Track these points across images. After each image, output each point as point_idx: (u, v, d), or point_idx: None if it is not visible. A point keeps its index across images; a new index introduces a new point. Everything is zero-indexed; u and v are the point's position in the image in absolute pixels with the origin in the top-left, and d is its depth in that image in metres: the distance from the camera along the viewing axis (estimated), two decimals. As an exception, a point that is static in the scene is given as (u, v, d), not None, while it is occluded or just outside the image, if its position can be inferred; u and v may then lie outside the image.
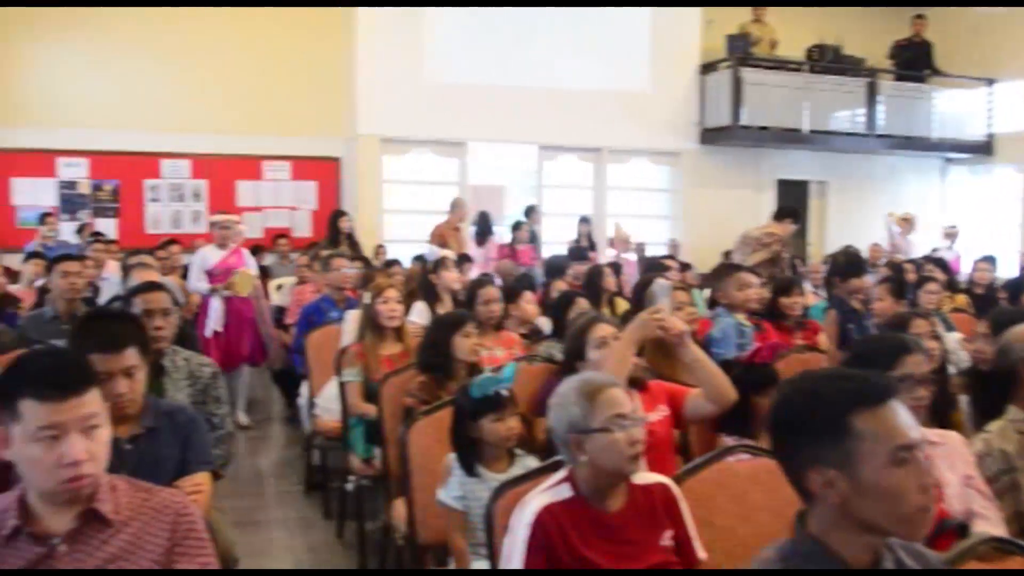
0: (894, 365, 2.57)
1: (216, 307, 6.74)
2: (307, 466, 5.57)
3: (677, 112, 11.76)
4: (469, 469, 2.88)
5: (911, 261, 8.04)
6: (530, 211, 10.62)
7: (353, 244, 9.12)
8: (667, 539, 2.28)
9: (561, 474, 2.32)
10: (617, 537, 2.22)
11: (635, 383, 3.09)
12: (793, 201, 11.42)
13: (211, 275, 6.80)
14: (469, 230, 10.11)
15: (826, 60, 12.20)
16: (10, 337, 4.33)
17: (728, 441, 3.17)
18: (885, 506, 1.50)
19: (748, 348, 4.31)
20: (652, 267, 7.06)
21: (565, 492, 2.25)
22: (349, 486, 4.50)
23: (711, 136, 11.85)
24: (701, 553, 2.35)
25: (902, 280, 4.65)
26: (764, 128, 11.58)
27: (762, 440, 3.17)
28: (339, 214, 9.66)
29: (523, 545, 2.18)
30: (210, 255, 6.88)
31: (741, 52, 11.57)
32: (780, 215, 7.38)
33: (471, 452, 2.90)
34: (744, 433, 3.18)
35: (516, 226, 10.12)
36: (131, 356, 2.47)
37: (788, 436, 1.59)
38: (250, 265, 7.00)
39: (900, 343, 2.68)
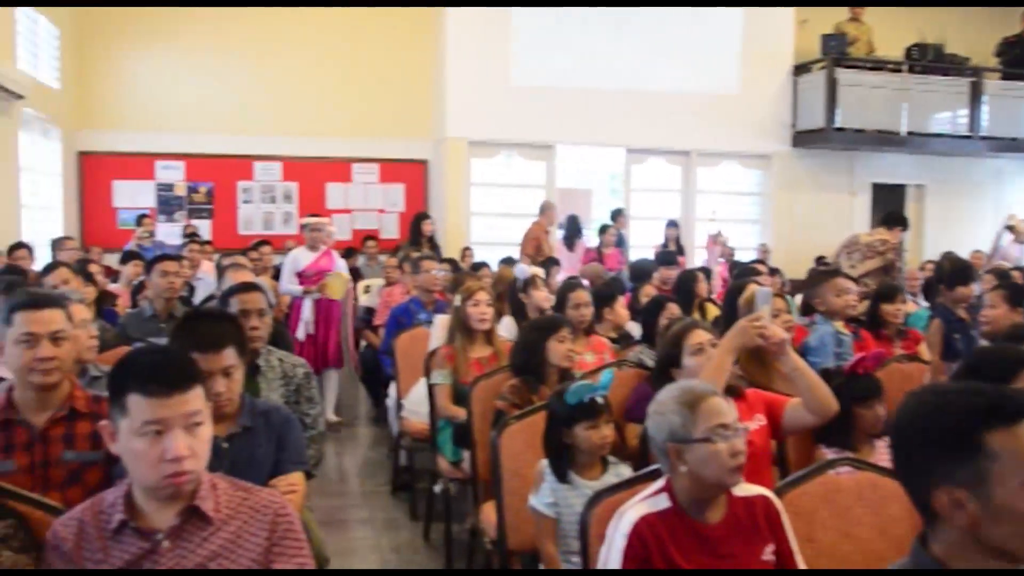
0: (1013, 379, 2.43)
1: (307, 309, 6.81)
2: (394, 467, 5.60)
3: (768, 114, 11.52)
4: (561, 476, 2.83)
5: (1020, 269, 7.68)
6: (617, 214, 10.52)
7: (434, 247, 9.18)
8: (768, 554, 2.20)
9: (659, 484, 2.25)
10: (717, 550, 2.15)
11: (732, 391, 3.00)
12: (889, 205, 11.05)
13: (302, 277, 6.86)
14: (557, 234, 10.06)
15: (927, 59, 11.76)
16: (112, 334, 4.48)
17: (827, 453, 3.07)
18: (1020, 530, 1.39)
19: (846, 358, 4.16)
20: (743, 272, 6.90)
21: (663, 502, 2.19)
22: (437, 488, 4.50)
23: (803, 139, 11.57)
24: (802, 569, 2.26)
25: (1018, 287, 4.40)
26: (859, 131, 11.24)
27: (864, 453, 3.06)
28: (422, 217, 9.74)
29: (619, 555, 2.12)
30: (301, 257, 6.96)
31: (836, 52, 11.25)
32: (891, 222, 7.10)
33: (564, 458, 2.85)
34: (845, 445, 3.08)
35: (602, 229, 10.04)
36: (230, 356, 2.50)
37: (913, 452, 1.49)
38: (340, 267, 7.07)
39: (1020, 356, 2.53)
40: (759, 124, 11.48)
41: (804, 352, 4.15)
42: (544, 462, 2.89)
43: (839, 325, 4.39)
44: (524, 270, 5.42)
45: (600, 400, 2.85)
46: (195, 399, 1.79)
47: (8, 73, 7.58)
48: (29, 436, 2.46)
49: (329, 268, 6.92)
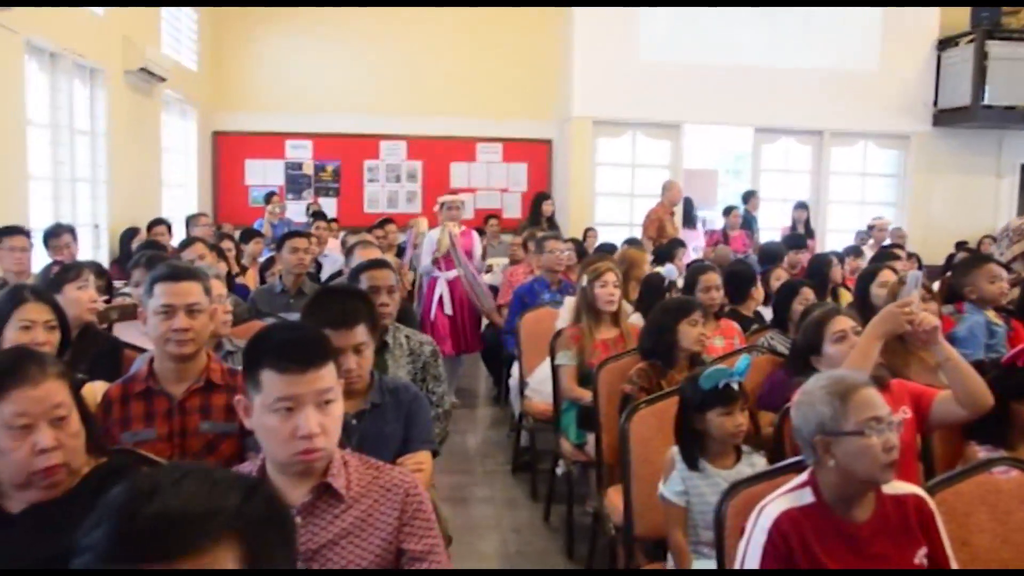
0: None
1: (443, 290, 6.76)
2: (515, 447, 5.59)
3: (908, 92, 10.93)
4: (693, 463, 2.73)
5: None
6: (749, 196, 10.23)
7: (553, 227, 9.10)
8: (921, 557, 2.06)
9: (802, 478, 2.13)
10: (864, 551, 2.02)
11: (877, 382, 2.83)
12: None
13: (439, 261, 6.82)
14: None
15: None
16: (243, 308, 4.60)
17: (980, 450, 2.86)
18: None
19: (998, 350, 3.90)
20: (879, 257, 6.58)
21: (807, 497, 2.07)
22: (559, 470, 4.46)
23: (946, 117, 10.92)
24: None
25: None
26: (1010, 108, 10.45)
27: (1021, 452, 2.85)
28: (542, 197, 9.67)
29: (759, 552, 2.02)
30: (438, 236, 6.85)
31: (988, 24, 10.55)
32: None
33: (695, 446, 2.75)
34: (1000, 443, 2.86)
35: (727, 211, 9.78)
36: (361, 333, 2.50)
37: None
38: (476, 246, 6.99)
39: None
40: (897, 102, 10.91)
41: (951, 343, 3.90)
42: (675, 449, 2.79)
43: (991, 315, 4.12)
44: (672, 271, 5.28)
45: (735, 386, 2.73)
46: (327, 376, 1.77)
47: (154, 57, 7.89)
48: (168, 406, 2.53)
49: (469, 247, 6.84)
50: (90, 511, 1.75)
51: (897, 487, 2.12)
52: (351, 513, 1.82)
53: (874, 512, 2.07)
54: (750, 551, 2.04)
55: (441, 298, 6.75)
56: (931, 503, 2.14)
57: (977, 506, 2.34)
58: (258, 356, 1.77)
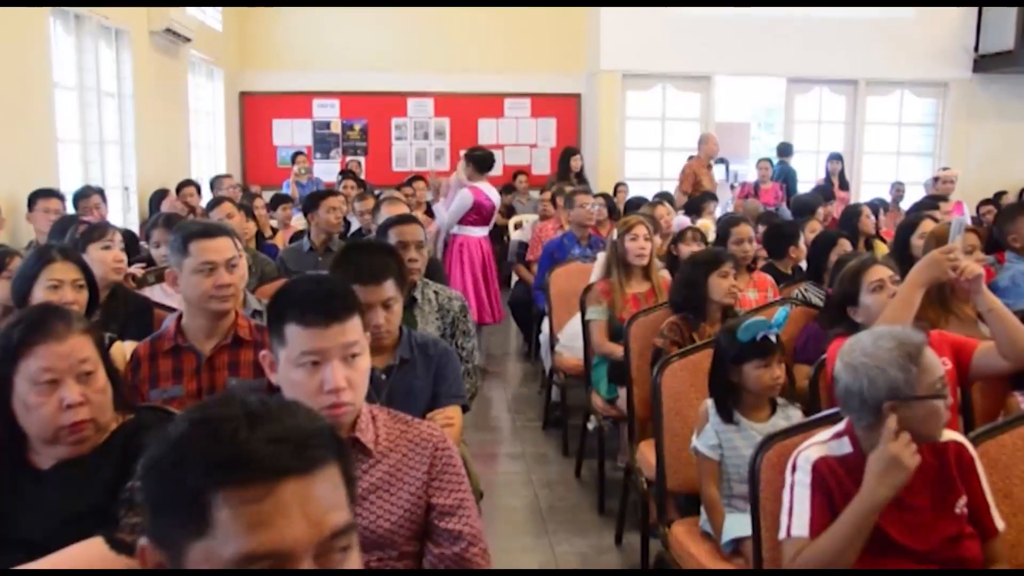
0: None
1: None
2: (545, 403, 5.58)
3: (947, 38, 10.66)
4: (727, 416, 2.69)
5: None
6: (784, 149, 10.06)
7: (582, 182, 9.01)
8: (961, 506, 2.01)
9: (839, 427, 2.08)
10: (902, 501, 1.97)
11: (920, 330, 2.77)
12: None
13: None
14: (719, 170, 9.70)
15: None
16: (272, 267, 4.60)
17: (1023, 400, 2.80)
18: None
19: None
20: (920, 206, 6.45)
21: (845, 447, 2.03)
22: (590, 425, 4.44)
23: (987, 63, 10.63)
24: (999, 524, 2.06)
25: None
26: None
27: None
28: (571, 152, 9.56)
29: (807, 491, 1.98)
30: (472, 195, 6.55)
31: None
32: None
33: (730, 398, 2.70)
34: None
35: (759, 163, 9.63)
36: (389, 288, 2.47)
37: None
38: (495, 201, 6.73)
39: None
40: (936, 48, 10.65)
41: (992, 293, 3.82)
42: (708, 402, 2.75)
43: (1034, 263, 4.02)
44: (681, 222, 5.21)
45: (772, 339, 2.67)
46: (353, 330, 1.74)
47: (179, 18, 7.85)
48: (196, 362, 2.53)
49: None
50: (118, 467, 1.77)
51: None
52: (380, 468, 1.80)
53: None
54: (797, 492, 2.00)
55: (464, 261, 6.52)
56: (971, 449, 2.08)
57: (1021, 457, 2.27)
58: (282, 310, 1.74)
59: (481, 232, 6.59)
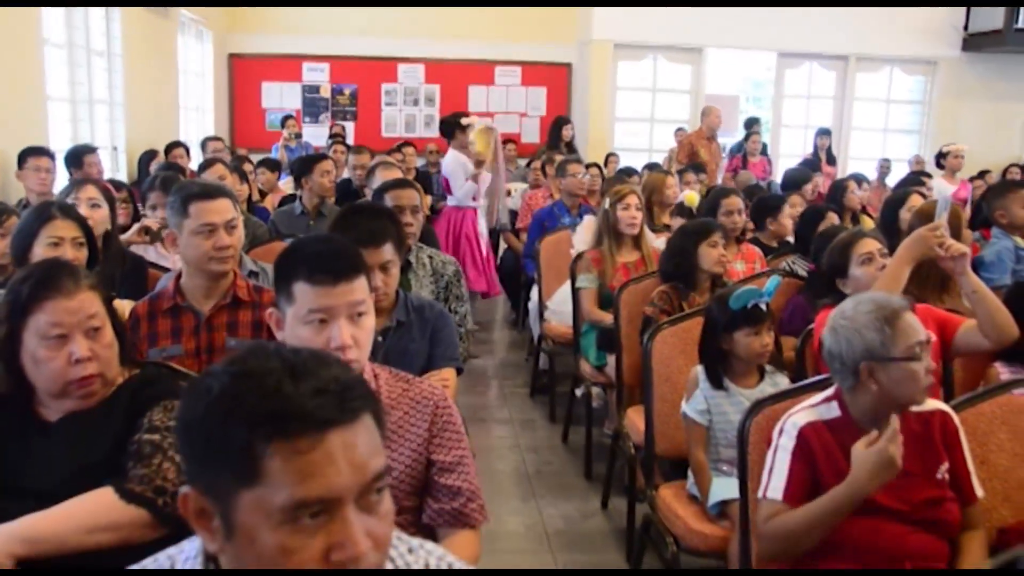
0: None
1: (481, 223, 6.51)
2: (533, 370, 5.64)
3: (937, 15, 10.65)
4: (717, 382, 2.75)
5: None
6: (749, 123, 10.12)
7: (572, 151, 9.02)
8: (943, 471, 2.08)
9: (828, 392, 2.15)
10: None
11: (905, 303, 2.83)
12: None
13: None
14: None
15: None
16: (263, 230, 4.61)
17: (1003, 372, 2.87)
18: None
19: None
20: (906, 182, 6.52)
21: (833, 411, 2.10)
22: (579, 392, 4.50)
23: (976, 42, 10.67)
24: (979, 491, 2.14)
25: None
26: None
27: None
28: (562, 121, 9.56)
29: (788, 456, 2.05)
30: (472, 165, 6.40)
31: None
32: None
33: (720, 365, 2.77)
34: None
35: (747, 137, 9.66)
36: (388, 251, 2.50)
37: None
38: (485, 179, 6.58)
39: None
40: (926, 26, 10.66)
41: (977, 267, 3.89)
42: (698, 368, 2.81)
43: (1019, 240, 4.08)
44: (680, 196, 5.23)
45: (763, 307, 2.73)
46: (360, 289, 1.78)
47: (166, -24, 7.79)
48: (195, 322, 2.56)
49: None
50: (125, 420, 1.81)
51: (922, 404, 2.14)
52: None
53: (899, 429, 2.08)
54: (778, 456, 2.07)
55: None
56: (956, 419, 2.15)
57: (997, 426, 2.35)
58: (290, 269, 1.77)
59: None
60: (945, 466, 2.08)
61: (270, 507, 0.96)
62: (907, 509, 2.02)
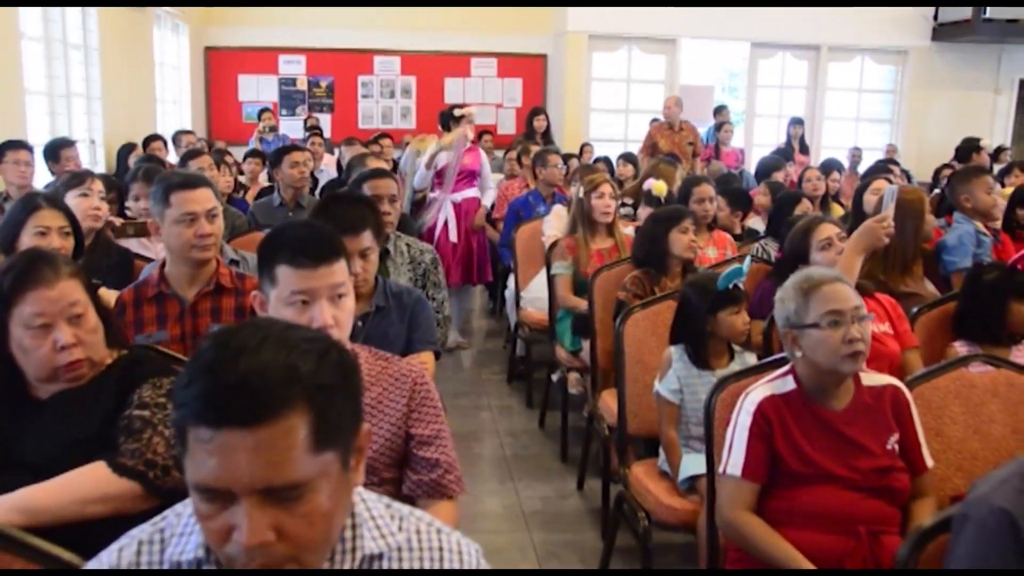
0: None
1: (448, 214, 6.10)
2: (510, 357, 5.73)
3: (907, 7, 10.82)
4: (703, 362, 2.85)
5: None
6: (718, 111, 10.23)
7: (548, 142, 9.09)
8: (892, 442, 2.20)
9: (784, 368, 2.27)
10: (840, 435, 2.16)
11: (860, 290, 2.94)
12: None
13: (441, 179, 6.08)
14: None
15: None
16: (242, 220, 4.67)
17: (962, 350, 2.99)
18: None
19: (984, 259, 4.00)
20: (874, 170, 6.64)
21: (788, 385, 2.22)
22: (555, 376, 4.59)
23: (946, 32, 10.86)
24: (929, 461, 2.26)
25: None
26: (1013, 21, 10.36)
27: (1002, 353, 2.95)
28: (537, 112, 9.63)
29: (745, 432, 2.16)
30: (442, 154, 6.05)
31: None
32: None
33: (704, 346, 2.87)
34: (993, 340, 3.00)
35: (719, 127, 9.78)
36: (367, 238, 2.56)
37: None
38: (486, 167, 6.37)
39: None
40: (897, 16, 10.84)
41: (940, 251, 4.02)
42: (672, 349, 2.90)
43: (979, 225, 4.20)
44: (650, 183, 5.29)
45: (741, 287, 2.85)
46: (340, 271, 1.85)
47: (142, -32, 7.80)
48: (180, 309, 2.62)
49: (475, 168, 6.19)
50: (115, 397, 1.88)
51: (876, 379, 2.26)
52: (363, 402, 1.92)
53: (852, 401, 2.20)
54: (737, 433, 2.18)
55: (446, 224, 6.11)
56: (907, 392, 2.27)
57: (951, 400, 2.47)
58: (273, 252, 1.84)
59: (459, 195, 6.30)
60: (895, 437, 2.20)
61: (190, 483, 1.04)
62: (858, 477, 2.13)
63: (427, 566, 1.20)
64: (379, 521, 1.19)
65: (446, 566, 1.21)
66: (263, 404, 1.00)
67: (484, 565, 1.25)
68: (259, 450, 0.99)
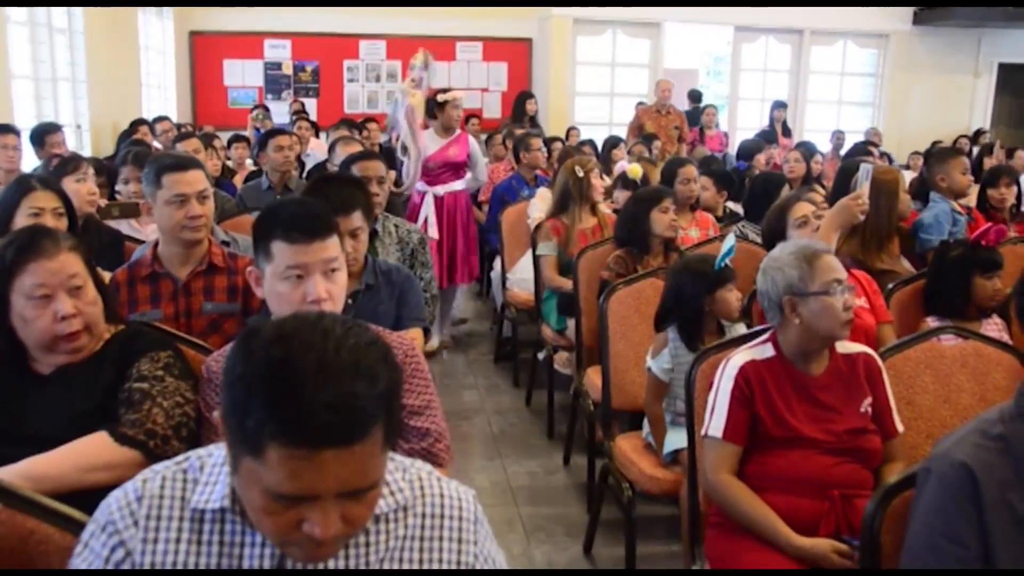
0: None
1: (429, 211, 5.68)
2: (497, 338, 5.81)
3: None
4: (699, 344, 2.86)
5: None
6: (695, 95, 10.30)
7: (535, 126, 9.15)
8: (866, 406, 2.29)
9: (764, 336, 2.35)
10: (817, 399, 2.25)
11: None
12: (1016, 87, 10.44)
13: (427, 170, 5.71)
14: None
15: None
16: (231, 204, 4.71)
17: (933, 325, 3.08)
18: None
19: (959, 238, 4.10)
20: (855, 152, 6.75)
21: (768, 351, 2.30)
22: (541, 355, 4.67)
23: (927, 16, 10.95)
24: (899, 427, 2.35)
25: None
26: (992, 4, 10.44)
27: (971, 326, 3.05)
28: (526, 96, 9.68)
29: (727, 396, 2.24)
30: (429, 143, 5.73)
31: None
32: None
33: (702, 326, 2.92)
34: (960, 315, 3.10)
35: (702, 111, 9.86)
36: (357, 218, 2.63)
37: None
38: (476, 155, 5.95)
39: None
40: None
41: (916, 229, 4.12)
42: (670, 331, 2.93)
43: (955, 204, 4.31)
44: (621, 166, 5.36)
45: (730, 264, 2.92)
46: (332, 247, 1.92)
47: (126, -48, 7.78)
48: (173, 288, 2.68)
49: (462, 159, 5.80)
50: (115, 370, 1.94)
51: (849, 347, 2.35)
52: None
53: (827, 367, 2.29)
54: (719, 398, 2.26)
55: (427, 220, 5.63)
56: (878, 360, 2.36)
57: (922, 370, 2.56)
58: (268, 228, 1.91)
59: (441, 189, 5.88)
60: (868, 400, 2.29)
61: (260, 481, 1.07)
62: (832, 440, 2.22)
63: (430, 511, 1.28)
64: (388, 478, 1.25)
65: (447, 511, 1.29)
66: (360, 424, 1.05)
67: (479, 508, 1.33)
68: (351, 463, 1.05)
